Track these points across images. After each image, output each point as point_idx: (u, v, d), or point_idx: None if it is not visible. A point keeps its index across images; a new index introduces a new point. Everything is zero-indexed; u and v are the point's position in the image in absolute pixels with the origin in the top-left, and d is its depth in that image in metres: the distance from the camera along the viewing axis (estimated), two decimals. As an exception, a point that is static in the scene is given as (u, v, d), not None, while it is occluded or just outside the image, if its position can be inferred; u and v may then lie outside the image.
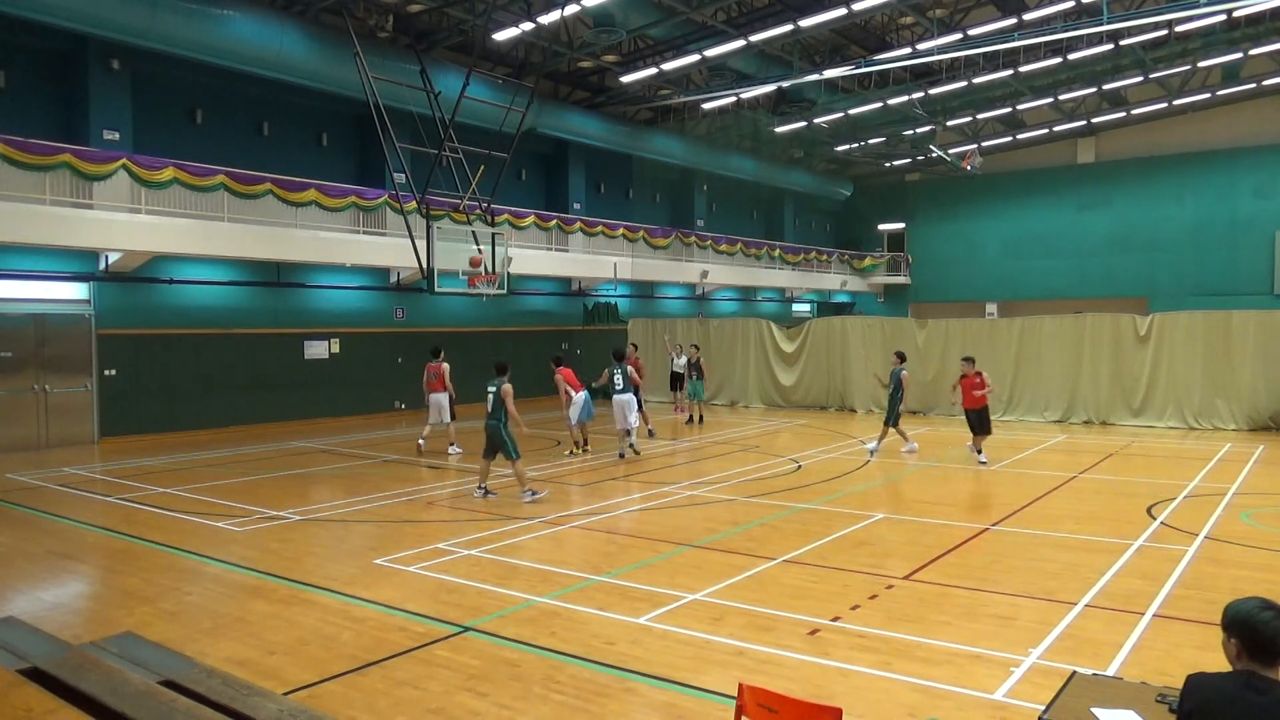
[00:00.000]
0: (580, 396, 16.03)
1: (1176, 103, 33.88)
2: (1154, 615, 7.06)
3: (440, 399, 16.27)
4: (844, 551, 9.18)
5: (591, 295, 30.25)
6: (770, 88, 28.14)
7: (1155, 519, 10.53)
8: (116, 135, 18.72)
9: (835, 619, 6.99)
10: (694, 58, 24.62)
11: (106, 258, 18.31)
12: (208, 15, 18.19)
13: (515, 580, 8.17)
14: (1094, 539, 9.62)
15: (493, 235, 18.44)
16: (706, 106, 29.78)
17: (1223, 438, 17.76)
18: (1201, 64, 29.89)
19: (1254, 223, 34.15)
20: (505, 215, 24.13)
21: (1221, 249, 34.66)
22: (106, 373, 18.45)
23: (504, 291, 18.93)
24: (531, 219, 26.30)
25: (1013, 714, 5.26)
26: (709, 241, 33.93)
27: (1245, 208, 34.48)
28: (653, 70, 25.82)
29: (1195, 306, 23.19)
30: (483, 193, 18.91)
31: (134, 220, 17.68)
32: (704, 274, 33.07)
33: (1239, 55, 29.02)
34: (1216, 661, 3.16)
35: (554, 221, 27.32)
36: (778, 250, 38.05)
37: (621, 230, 29.62)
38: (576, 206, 29.92)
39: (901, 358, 16.38)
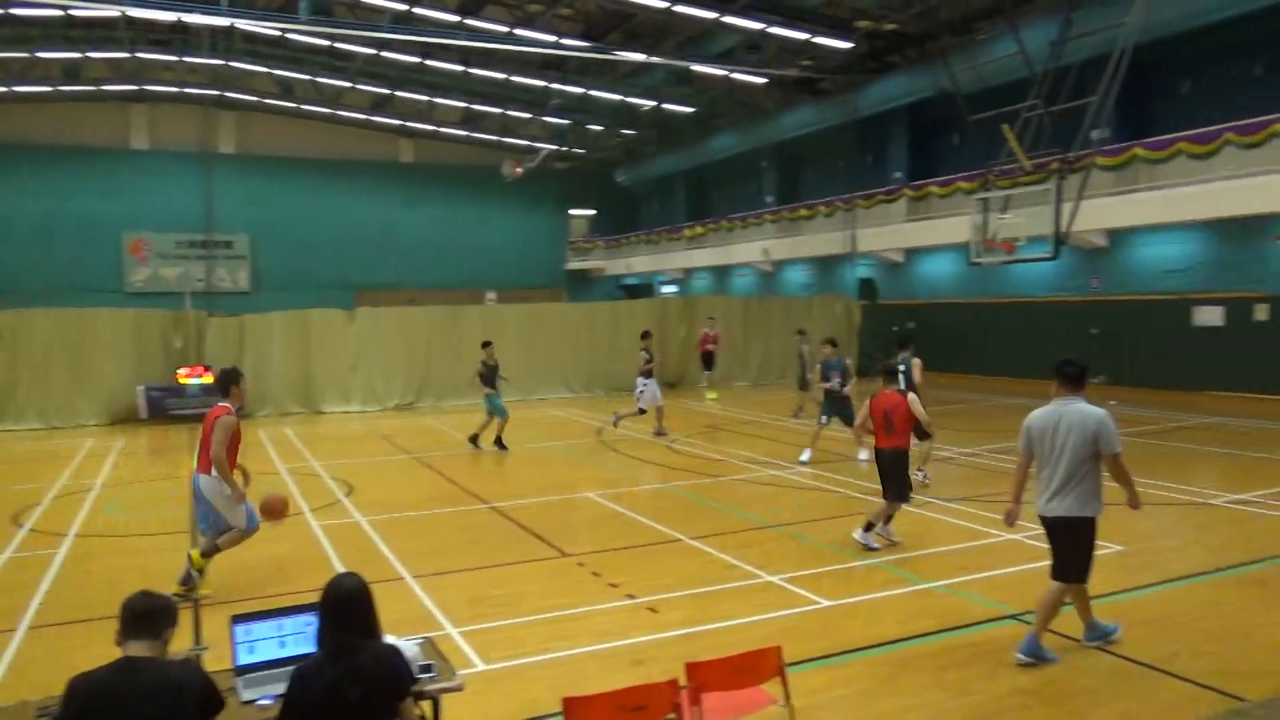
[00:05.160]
0: None
1: (18, 89, 32.63)
2: (30, 628, 6.78)
3: None
4: None
5: None
6: None
7: (23, 526, 10.09)
8: None
9: None
10: None
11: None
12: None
13: None
14: (-46, 562, 8.68)
15: None
16: None
17: (86, 433, 17.96)
18: (41, 54, 29.40)
19: (103, 222, 35.28)
20: None
21: (73, 247, 34.71)
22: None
23: None
24: None
25: None
26: None
27: (93, 207, 35.28)
28: None
29: (51, 304, 22.67)
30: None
31: None
32: None
33: (78, 55, 29.64)
34: (104, 655, 3.24)
35: None
36: None
37: None
38: None
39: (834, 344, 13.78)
